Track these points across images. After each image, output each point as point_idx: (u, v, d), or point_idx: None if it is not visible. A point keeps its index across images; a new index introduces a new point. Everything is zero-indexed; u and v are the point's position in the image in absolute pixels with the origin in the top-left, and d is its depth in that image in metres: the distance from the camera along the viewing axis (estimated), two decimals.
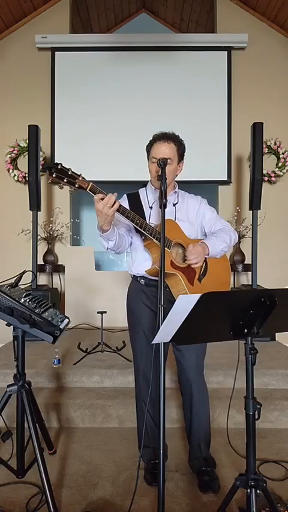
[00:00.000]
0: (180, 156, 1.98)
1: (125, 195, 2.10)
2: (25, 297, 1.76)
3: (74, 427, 2.57)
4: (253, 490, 1.38)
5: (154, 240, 1.85)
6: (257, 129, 3.78)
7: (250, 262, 3.95)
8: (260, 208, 3.86)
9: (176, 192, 2.09)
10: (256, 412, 1.40)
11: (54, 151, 4.62)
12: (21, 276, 1.89)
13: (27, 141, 4.00)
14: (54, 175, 1.62)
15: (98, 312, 3.35)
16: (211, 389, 2.36)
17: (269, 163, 4.52)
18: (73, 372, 2.90)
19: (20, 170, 4.59)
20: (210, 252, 1.96)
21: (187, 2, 5.10)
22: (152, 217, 2.01)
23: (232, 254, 4.54)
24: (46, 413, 2.55)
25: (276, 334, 3.68)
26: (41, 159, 4.22)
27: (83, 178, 1.68)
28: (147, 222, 1.93)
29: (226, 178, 4.67)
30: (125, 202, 2.02)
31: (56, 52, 4.67)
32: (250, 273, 4.07)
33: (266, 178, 4.48)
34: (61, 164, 1.63)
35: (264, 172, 4.22)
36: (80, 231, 5.48)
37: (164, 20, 5.60)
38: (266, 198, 4.14)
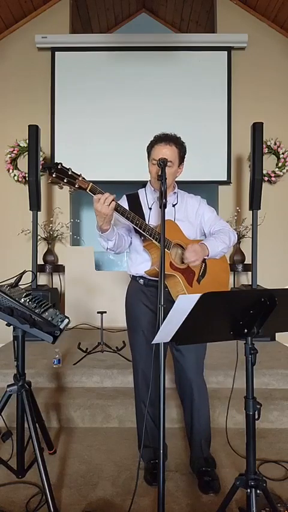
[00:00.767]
0: (181, 159, 1.97)
1: (124, 196, 2.09)
2: (25, 297, 1.76)
3: (74, 427, 2.57)
4: (253, 490, 1.37)
5: (153, 240, 1.85)
6: (257, 129, 3.78)
7: (250, 262, 3.95)
8: (260, 208, 3.86)
9: (175, 192, 2.09)
10: (256, 412, 1.40)
11: (54, 151, 4.63)
12: (21, 276, 1.89)
13: (27, 141, 4.01)
14: (54, 175, 1.61)
15: (98, 312, 3.35)
16: (211, 389, 2.36)
17: (269, 163, 4.52)
18: (73, 372, 2.90)
19: (20, 170, 4.59)
20: (210, 253, 1.95)
21: (187, 2, 5.10)
22: (152, 218, 2.01)
23: (232, 254, 4.54)
24: (46, 413, 2.55)
25: (276, 334, 3.68)
26: (41, 159, 4.22)
27: (83, 178, 1.68)
28: (147, 223, 1.93)
29: (226, 179, 4.67)
30: (124, 203, 2.02)
31: (56, 52, 4.67)
32: (250, 273, 4.07)
33: (266, 178, 4.48)
34: (61, 164, 1.63)
35: (264, 172, 4.22)
36: (80, 231, 5.48)
37: (164, 20, 5.60)
38: (266, 198, 4.14)
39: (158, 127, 2.05)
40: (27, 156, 3.99)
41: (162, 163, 1.76)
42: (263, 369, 2.89)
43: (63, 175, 1.63)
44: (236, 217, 4.59)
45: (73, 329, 4.00)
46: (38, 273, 4.31)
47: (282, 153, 4.56)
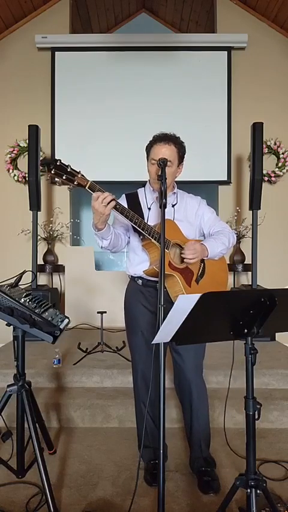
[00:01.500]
0: (180, 159, 1.95)
1: (123, 195, 2.08)
2: (25, 297, 1.76)
3: (74, 427, 2.57)
4: (253, 490, 1.37)
5: (153, 240, 1.84)
6: (257, 129, 3.78)
7: (250, 262, 3.95)
8: (260, 208, 3.86)
9: (175, 193, 2.07)
10: (256, 412, 1.40)
11: (54, 151, 4.63)
12: (21, 276, 1.89)
13: (27, 141, 4.01)
14: (53, 172, 1.59)
15: (98, 312, 3.35)
16: (211, 389, 2.36)
17: (269, 163, 4.52)
18: (73, 372, 2.90)
19: (20, 170, 4.59)
20: (209, 254, 1.95)
21: (187, 2, 5.10)
22: (151, 219, 1.99)
23: (232, 254, 4.54)
24: (46, 413, 2.55)
25: (276, 334, 3.68)
26: (41, 159, 4.22)
27: (82, 175, 1.66)
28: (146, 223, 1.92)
29: (226, 179, 4.67)
30: (123, 202, 2.01)
31: (56, 52, 4.67)
32: (250, 273, 4.07)
33: (266, 178, 4.48)
34: (60, 160, 1.61)
35: (264, 172, 4.22)
36: (80, 231, 5.48)
37: (164, 20, 5.60)
38: (266, 198, 4.14)
39: (158, 127, 2.05)
40: (27, 156, 3.99)
41: (162, 164, 1.75)
42: (263, 369, 2.89)
43: (62, 171, 1.61)
44: (236, 217, 4.59)
45: (73, 329, 4.00)
46: (38, 273, 4.31)
47: (282, 153, 4.56)
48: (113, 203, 1.70)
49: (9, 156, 4.60)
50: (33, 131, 3.85)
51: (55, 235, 4.59)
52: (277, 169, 4.57)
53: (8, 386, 1.81)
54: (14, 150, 4.60)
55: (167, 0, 5.19)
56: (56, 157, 1.85)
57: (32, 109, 4.66)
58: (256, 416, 1.40)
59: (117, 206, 1.75)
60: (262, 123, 3.79)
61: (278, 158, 4.59)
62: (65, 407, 2.60)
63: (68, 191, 4.75)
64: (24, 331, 1.73)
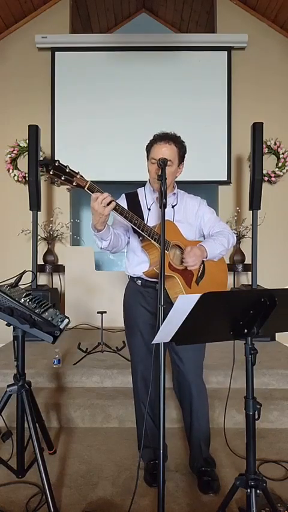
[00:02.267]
0: (181, 158, 1.94)
1: (123, 195, 2.07)
2: (25, 297, 1.76)
3: (74, 427, 2.57)
4: (253, 490, 1.38)
5: (152, 241, 1.83)
6: (257, 129, 3.78)
7: (250, 262, 3.95)
8: (260, 209, 3.86)
9: (175, 193, 2.06)
10: (256, 412, 1.40)
11: (54, 151, 4.63)
12: (21, 276, 1.89)
13: (27, 141, 4.01)
14: (51, 173, 1.58)
15: (98, 312, 3.35)
16: (211, 389, 2.37)
17: (269, 163, 4.52)
18: (73, 372, 2.90)
19: (20, 170, 4.59)
20: (209, 256, 1.93)
21: (187, 2, 5.10)
22: (150, 219, 1.98)
23: (232, 254, 4.54)
24: (46, 413, 2.55)
25: (276, 334, 3.68)
26: (41, 159, 4.22)
27: (81, 176, 1.65)
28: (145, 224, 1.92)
29: (226, 179, 4.67)
30: (123, 202, 2.00)
31: (56, 52, 4.68)
32: (250, 273, 4.07)
33: (266, 179, 4.48)
34: (59, 161, 1.59)
35: (264, 172, 4.22)
36: (80, 231, 5.48)
37: (164, 20, 5.59)
38: (266, 198, 4.14)
39: (158, 127, 2.04)
40: (27, 156, 3.99)
41: (163, 164, 1.74)
42: (263, 369, 2.89)
43: (60, 172, 1.60)
44: (236, 217, 4.59)
45: (73, 329, 4.00)
46: (38, 273, 4.31)
47: (282, 153, 4.56)
48: (113, 204, 1.69)
49: (9, 156, 4.60)
50: (33, 131, 3.85)
51: (55, 235, 4.59)
52: (277, 169, 4.57)
53: (8, 386, 1.81)
54: (14, 150, 4.60)
55: (167, 0, 5.19)
56: (55, 158, 1.84)
57: (32, 109, 4.66)
58: (256, 416, 1.40)
59: (117, 207, 1.74)
60: (262, 123, 3.79)
61: (278, 158, 4.59)
62: (65, 407, 2.60)
63: (68, 191, 4.75)
64: (24, 331, 1.73)
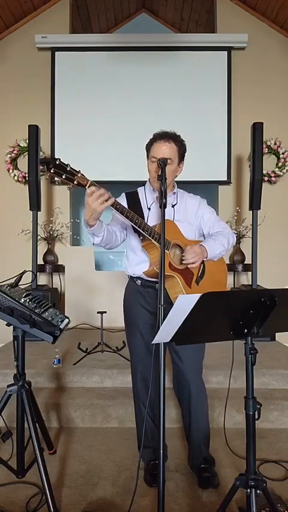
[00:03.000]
0: (181, 157, 1.94)
1: (123, 194, 2.07)
2: (25, 297, 1.76)
3: (74, 427, 2.57)
4: (253, 490, 1.37)
5: (153, 240, 1.82)
6: (257, 129, 3.78)
7: (250, 262, 3.95)
8: (260, 208, 3.86)
9: (175, 192, 2.06)
10: (256, 412, 1.40)
11: (54, 151, 4.63)
12: (21, 276, 1.89)
13: (27, 141, 4.01)
14: (52, 171, 1.57)
15: (98, 312, 3.35)
16: (211, 389, 2.37)
17: (269, 163, 4.52)
18: (73, 372, 2.90)
19: (20, 170, 4.59)
20: (209, 256, 1.93)
21: (187, 2, 5.10)
22: (151, 219, 1.98)
23: (232, 254, 4.54)
24: (46, 413, 2.55)
25: (276, 334, 3.68)
26: (41, 158, 4.21)
27: (82, 175, 1.64)
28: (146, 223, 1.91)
29: (226, 179, 4.67)
30: (123, 201, 2.00)
31: (56, 52, 4.68)
32: (250, 273, 4.07)
33: (266, 178, 4.48)
34: (59, 159, 1.58)
35: (264, 172, 4.22)
36: (80, 231, 5.48)
37: (164, 20, 5.59)
38: (266, 198, 4.14)
39: (158, 127, 2.04)
40: (27, 156, 3.99)
41: (163, 164, 1.73)
42: (263, 369, 2.89)
43: (61, 171, 1.59)
44: (236, 217, 4.59)
45: (73, 329, 4.00)
46: (38, 273, 4.31)
47: (282, 153, 4.57)
48: (110, 201, 1.67)
49: (9, 156, 4.60)
50: (33, 131, 3.85)
51: (55, 235, 4.59)
52: (277, 169, 4.57)
53: (8, 386, 1.81)
54: (14, 150, 4.60)
55: (167, 0, 5.19)
56: (55, 157, 1.83)
57: (32, 109, 4.66)
58: (256, 416, 1.40)
59: (118, 206, 1.74)
60: (262, 123, 3.79)
61: (278, 158, 4.59)
62: (65, 407, 2.60)
63: (68, 191, 4.75)
64: (24, 331, 1.73)
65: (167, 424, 2.15)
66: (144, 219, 1.92)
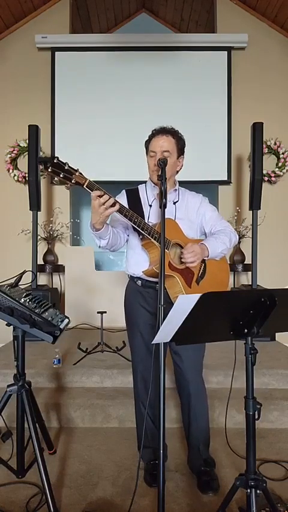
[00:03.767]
0: (180, 151, 1.94)
1: (123, 191, 2.05)
2: (25, 297, 1.76)
3: (74, 427, 2.57)
4: (253, 490, 1.37)
5: (152, 239, 1.81)
6: (257, 129, 3.78)
7: (250, 262, 3.95)
8: (260, 208, 3.86)
9: (176, 190, 2.04)
10: (256, 412, 1.40)
11: (54, 151, 4.63)
12: (21, 276, 1.89)
13: (27, 141, 4.01)
14: (50, 170, 1.55)
15: (98, 312, 3.35)
16: (211, 389, 2.37)
17: (269, 163, 4.52)
18: (73, 372, 2.90)
19: (20, 170, 4.59)
20: (210, 254, 1.91)
21: (187, 2, 5.10)
22: (152, 216, 1.97)
23: (232, 254, 4.54)
24: (46, 413, 2.55)
25: (276, 334, 3.68)
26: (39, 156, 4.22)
27: (80, 173, 1.62)
28: (147, 220, 1.89)
29: (226, 178, 4.67)
30: (123, 198, 1.99)
31: (56, 52, 4.68)
32: (250, 273, 4.07)
33: (266, 178, 4.48)
34: (57, 158, 1.57)
35: (264, 172, 4.22)
36: (80, 231, 5.48)
37: (164, 20, 5.60)
38: (266, 198, 4.14)
39: None
40: (27, 156, 3.99)
41: (162, 164, 1.72)
42: (263, 369, 2.89)
43: (59, 169, 1.57)
44: (236, 217, 4.59)
45: (73, 329, 4.00)
46: (38, 273, 4.31)
47: (282, 153, 4.56)
48: (117, 206, 1.67)
49: (9, 156, 4.60)
50: (33, 131, 3.85)
51: (55, 235, 4.59)
52: (277, 169, 4.57)
53: (8, 386, 1.81)
54: (14, 150, 4.60)
55: (167, 0, 5.19)
56: (55, 155, 1.81)
57: (32, 109, 4.66)
58: (256, 416, 1.40)
59: (120, 209, 1.72)
60: (262, 123, 3.79)
61: (278, 158, 4.59)
62: (65, 407, 2.60)
63: (68, 191, 4.75)
64: (24, 331, 1.73)
65: (167, 424, 2.16)
66: (144, 217, 1.91)
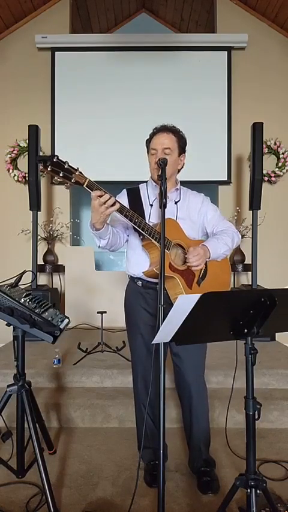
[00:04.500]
0: (181, 149, 1.94)
1: (124, 190, 2.04)
2: (25, 297, 1.76)
3: (74, 427, 2.57)
4: (253, 490, 1.37)
5: (153, 240, 1.80)
6: (257, 129, 3.78)
7: (250, 262, 3.95)
8: (260, 208, 3.86)
9: (177, 189, 2.03)
10: (256, 412, 1.40)
11: (54, 151, 4.62)
12: (21, 276, 1.89)
13: (27, 141, 4.01)
14: (49, 169, 1.53)
15: (98, 312, 3.35)
16: (211, 389, 2.36)
17: (269, 163, 4.52)
18: (73, 372, 2.90)
19: (20, 170, 4.59)
20: (212, 256, 1.89)
21: (187, 2, 5.10)
22: (152, 216, 1.95)
23: (232, 254, 4.54)
24: (46, 413, 2.55)
25: (276, 334, 3.68)
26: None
27: (80, 173, 1.60)
28: (147, 220, 1.88)
29: (226, 178, 4.67)
30: (124, 198, 1.98)
31: (56, 52, 4.68)
32: (250, 273, 4.07)
33: (266, 178, 4.48)
34: (57, 157, 1.54)
35: (264, 172, 4.22)
36: (80, 231, 5.48)
37: (164, 20, 5.60)
38: (266, 198, 4.14)
39: None
40: (27, 156, 3.99)
41: (162, 164, 1.71)
42: (263, 369, 2.89)
43: (59, 168, 1.54)
44: (236, 217, 4.59)
45: (73, 329, 4.00)
46: (38, 273, 4.31)
47: (282, 153, 4.56)
48: (117, 206, 1.66)
49: (9, 156, 4.60)
50: (33, 131, 3.85)
51: (55, 235, 4.59)
52: (277, 169, 4.57)
53: (8, 386, 1.81)
54: (14, 150, 4.60)
55: (167, 0, 5.19)
56: (54, 153, 1.79)
57: (32, 109, 4.66)
58: (256, 416, 1.40)
59: (121, 209, 1.72)
60: (262, 123, 3.79)
61: (278, 158, 4.59)
62: (65, 407, 2.60)
63: (68, 191, 4.75)
64: (24, 331, 1.73)
65: (167, 424, 2.15)
66: (145, 216, 1.89)
